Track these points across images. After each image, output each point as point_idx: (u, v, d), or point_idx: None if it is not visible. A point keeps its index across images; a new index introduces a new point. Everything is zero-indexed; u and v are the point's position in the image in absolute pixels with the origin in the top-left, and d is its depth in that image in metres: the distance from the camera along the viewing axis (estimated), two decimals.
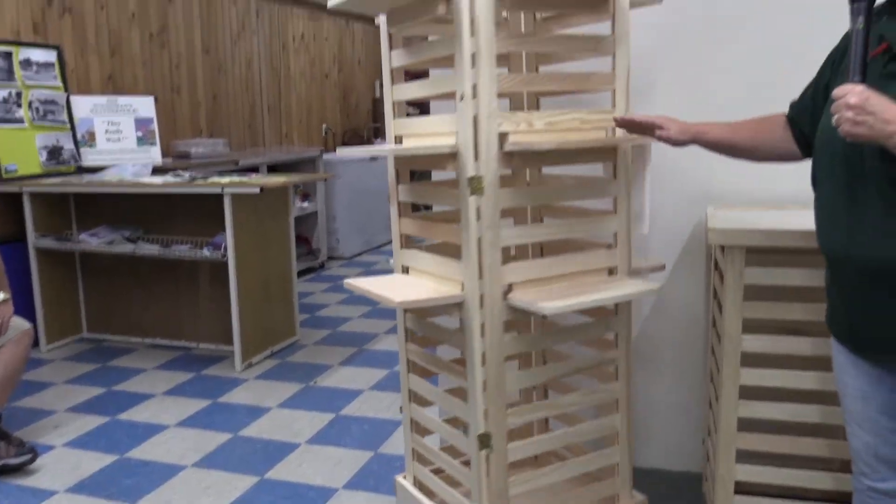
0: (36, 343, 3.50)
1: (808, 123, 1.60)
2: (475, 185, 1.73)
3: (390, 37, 2.04)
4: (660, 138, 1.78)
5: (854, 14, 1.32)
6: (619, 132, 1.92)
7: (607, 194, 1.98)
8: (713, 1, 2.41)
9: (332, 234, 6.68)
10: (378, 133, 7.99)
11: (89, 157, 4.68)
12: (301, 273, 6.06)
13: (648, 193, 2.09)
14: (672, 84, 2.49)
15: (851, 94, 1.22)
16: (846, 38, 1.52)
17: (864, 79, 1.27)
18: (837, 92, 1.25)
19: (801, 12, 2.34)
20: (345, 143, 7.81)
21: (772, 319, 2.02)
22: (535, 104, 2.26)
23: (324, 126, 7.52)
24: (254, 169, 5.34)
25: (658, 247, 2.56)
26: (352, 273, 6.20)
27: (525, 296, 1.78)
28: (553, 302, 1.72)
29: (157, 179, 4.03)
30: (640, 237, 2.52)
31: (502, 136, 1.75)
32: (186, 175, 4.12)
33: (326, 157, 6.56)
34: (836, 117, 1.25)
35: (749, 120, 1.77)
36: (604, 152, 1.95)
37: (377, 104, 8.21)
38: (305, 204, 6.17)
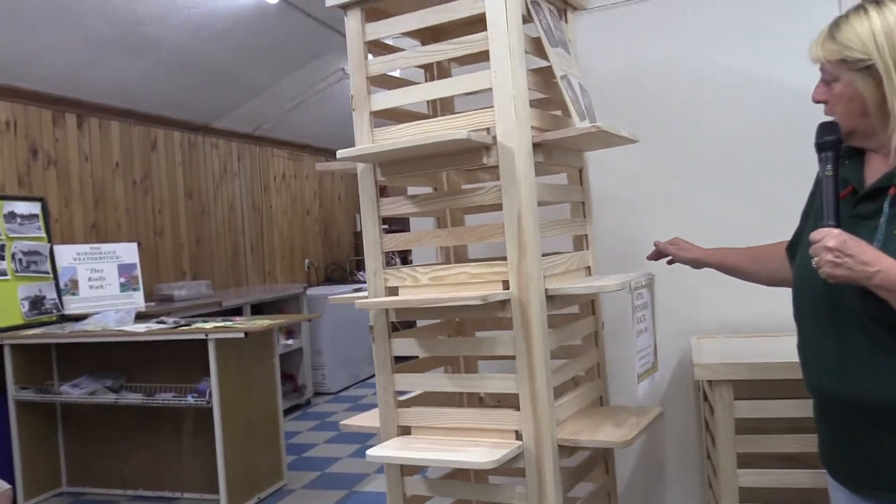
0: (14, 502, 3.38)
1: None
2: (373, 332, 1.97)
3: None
4: (677, 257, 1.96)
5: (822, 162, 1.40)
6: (514, 285, 1.81)
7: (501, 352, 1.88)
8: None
9: (317, 370, 6.62)
10: (360, 265, 8.06)
11: (72, 306, 4.67)
12: (287, 411, 5.96)
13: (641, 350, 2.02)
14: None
15: (829, 237, 1.27)
16: (818, 182, 1.58)
17: (838, 223, 1.32)
18: (814, 235, 1.30)
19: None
20: (327, 277, 7.86)
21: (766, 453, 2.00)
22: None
23: (306, 261, 7.59)
24: (237, 310, 5.34)
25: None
26: (339, 409, 6.10)
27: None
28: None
29: (141, 327, 4.01)
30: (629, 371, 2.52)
31: (390, 290, 1.97)
32: (170, 321, 4.11)
33: (310, 292, 6.59)
34: (815, 259, 1.29)
35: (758, 246, 1.88)
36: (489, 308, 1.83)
37: (358, 237, 8.32)
38: (290, 341, 6.14)
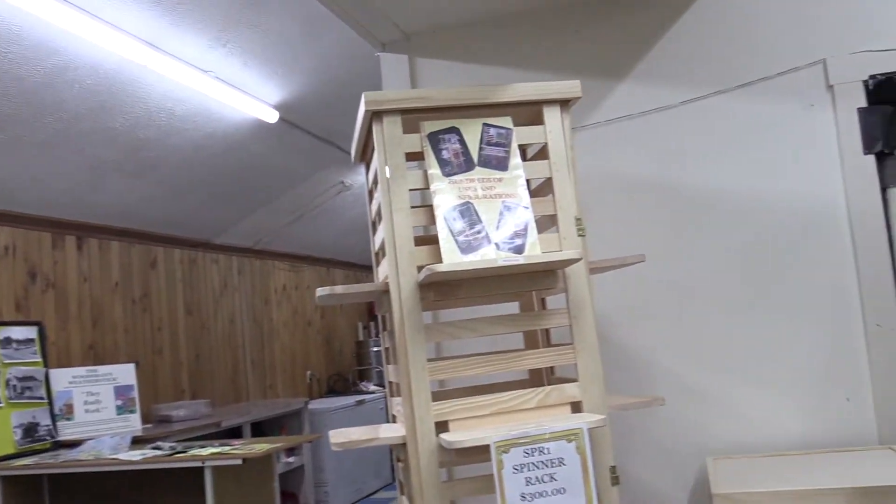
0: None
1: None
2: None
3: None
4: None
5: None
6: None
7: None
8: None
9: (320, 487, 6.40)
10: (363, 376, 7.93)
11: (66, 431, 4.54)
12: None
13: None
14: None
15: None
16: None
17: None
18: None
19: None
20: (330, 388, 7.73)
21: None
22: None
23: (308, 373, 7.47)
24: (237, 430, 5.20)
25: (660, 501, 2.45)
26: None
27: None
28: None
29: (136, 454, 3.88)
30: (642, 492, 2.41)
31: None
32: (166, 446, 3.99)
33: (312, 405, 6.45)
34: None
35: None
36: None
37: (360, 346, 8.23)
38: (291, 459, 5.96)
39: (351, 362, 8.27)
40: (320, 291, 1.85)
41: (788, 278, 2.48)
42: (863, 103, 2.50)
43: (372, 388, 7.59)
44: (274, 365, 6.98)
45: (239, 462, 3.53)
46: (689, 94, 2.60)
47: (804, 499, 1.89)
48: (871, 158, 2.48)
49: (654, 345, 2.54)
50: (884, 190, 2.49)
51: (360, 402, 6.93)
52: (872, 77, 2.49)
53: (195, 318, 6.03)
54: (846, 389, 2.41)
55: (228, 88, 4.23)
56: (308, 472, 6.20)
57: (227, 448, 3.83)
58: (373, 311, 8.54)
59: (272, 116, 4.71)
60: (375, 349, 8.02)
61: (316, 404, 6.59)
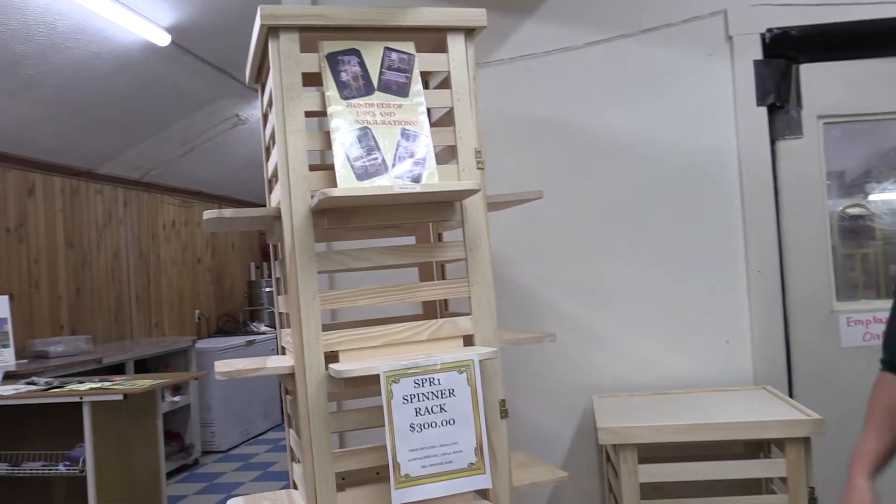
0: None
1: None
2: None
3: None
4: None
5: None
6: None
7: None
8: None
9: (206, 427, 6.29)
10: (254, 316, 7.78)
11: None
12: (173, 473, 5.62)
13: None
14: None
15: None
16: None
17: None
18: None
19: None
20: (219, 329, 7.55)
21: None
22: None
23: (196, 312, 7.26)
24: (119, 367, 5.01)
25: (547, 439, 2.50)
26: (229, 468, 5.79)
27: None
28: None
29: (8, 389, 3.68)
30: (530, 427, 2.45)
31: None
32: (42, 381, 3.80)
33: (200, 345, 6.29)
34: None
35: (876, 413, 1.56)
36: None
37: (252, 287, 8.05)
38: (177, 398, 5.81)
39: (242, 302, 8.09)
40: (207, 214, 1.75)
41: (678, 223, 2.54)
42: (759, 56, 2.55)
43: (263, 328, 7.46)
44: (160, 302, 6.75)
45: (120, 398, 3.40)
46: (593, 36, 2.59)
47: (681, 432, 1.96)
48: (764, 110, 2.55)
49: (545, 284, 2.56)
50: (773, 142, 2.57)
51: (251, 343, 6.81)
52: (769, 30, 2.54)
53: (76, 251, 5.73)
54: (727, 332, 2.51)
55: (116, 5, 3.96)
56: (194, 412, 6.07)
57: (107, 384, 3.68)
58: (265, 250, 8.35)
59: (164, 39, 4.44)
60: (268, 290, 7.87)
61: (204, 344, 6.43)
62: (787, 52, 2.56)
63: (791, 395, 2.46)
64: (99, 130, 5.37)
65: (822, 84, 2.56)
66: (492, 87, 2.58)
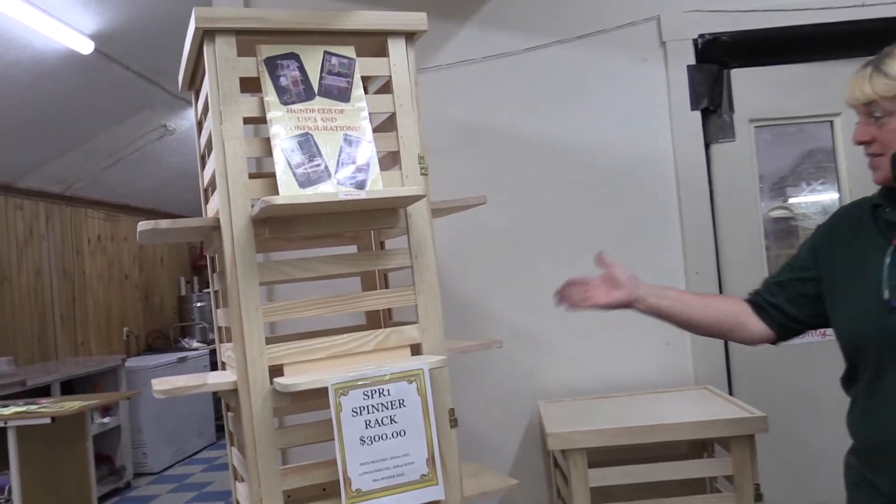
0: None
1: (806, 311, 1.53)
2: None
3: None
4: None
5: None
6: None
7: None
8: None
9: (138, 448, 6.07)
10: (185, 332, 7.57)
11: None
12: (104, 497, 5.40)
13: None
14: None
15: None
16: (825, 227, 1.56)
17: None
18: None
19: None
20: (149, 346, 7.32)
21: None
22: None
23: (125, 330, 7.03)
24: (45, 389, 4.80)
25: (494, 446, 2.49)
26: (163, 490, 5.61)
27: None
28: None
29: None
30: (476, 435, 2.43)
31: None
32: None
33: (129, 363, 6.08)
34: None
35: (705, 296, 1.77)
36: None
37: (183, 302, 7.84)
38: (106, 419, 5.59)
39: (172, 318, 7.87)
40: (142, 226, 1.68)
41: (617, 227, 2.56)
42: (692, 61, 2.60)
43: (195, 344, 7.27)
44: (87, 321, 6.51)
45: (47, 421, 3.25)
46: (530, 42, 2.60)
47: (630, 435, 1.96)
48: (698, 114, 2.60)
49: (486, 290, 2.55)
50: (707, 145, 2.61)
51: (183, 360, 6.62)
52: (702, 36, 2.59)
53: None
54: (667, 334, 2.53)
55: (35, 10, 3.80)
56: (125, 433, 5.86)
57: (33, 407, 3.51)
58: (196, 264, 8.15)
59: (87, 47, 4.29)
60: (199, 304, 7.66)
61: (134, 362, 6.23)
62: (718, 57, 2.61)
63: (731, 394, 2.50)
64: (18, 142, 5.15)
65: (753, 88, 2.62)
66: (432, 92, 2.55)
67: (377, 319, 2.19)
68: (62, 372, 5.17)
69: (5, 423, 3.21)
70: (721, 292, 2.55)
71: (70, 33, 4.10)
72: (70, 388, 5.31)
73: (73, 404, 3.51)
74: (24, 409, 3.44)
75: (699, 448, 2.35)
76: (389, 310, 2.18)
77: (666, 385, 2.50)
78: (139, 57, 4.69)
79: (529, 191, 2.57)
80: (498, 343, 2.01)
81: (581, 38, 2.60)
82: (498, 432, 2.51)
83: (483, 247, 2.57)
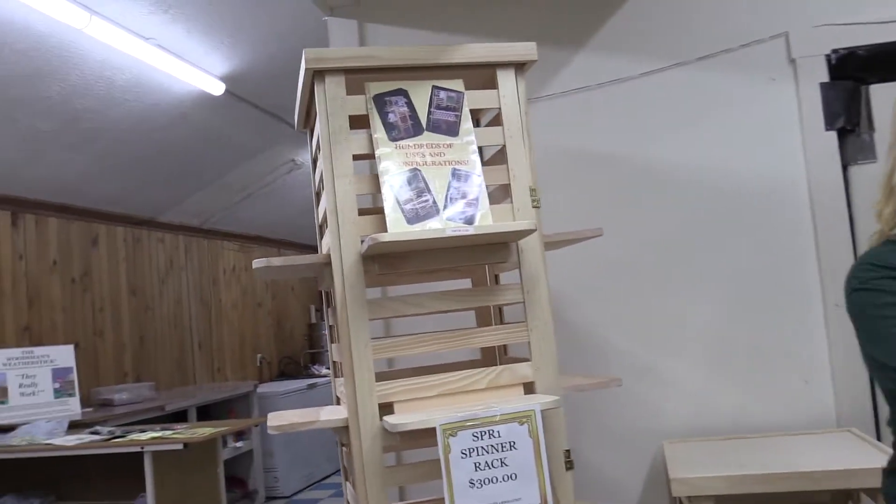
0: None
1: None
2: None
3: None
4: None
5: None
6: None
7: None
8: None
9: (269, 472, 6.25)
10: (315, 359, 7.78)
11: (1, 415, 4.33)
12: None
13: None
14: None
15: None
16: None
17: None
18: None
19: None
20: (281, 372, 7.56)
21: None
22: None
23: (258, 356, 7.29)
24: (182, 413, 5.03)
25: (615, 488, 2.38)
26: None
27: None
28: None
29: (72, 439, 3.70)
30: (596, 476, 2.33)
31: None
32: (105, 431, 3.81)
33: (261, 390, 6.29)
34: None
35: None
36: None
37: (312, 329, 8.06)
38: (239, 443, 5.80)
39: (303, 345, 8.11)
40: (257, 263, 1.71)
41: (747, 257, 2.42)
42: (825, 78, 2.43)
43: (324, 371, 7.45)
44: (222, 347, 6.79)
45: (180, 447, 3.38)
46: (648, 66, 2.51)
47: (763, 483, 1.82)
48: (833, 135, 2.42)
49: (608, 324, 2.46)
50: (845, 167, 2.43)
51: (312, 386, 6.78)
52: (835, 51, 2.42)
53: (139, 299, 5.82)
54: (805, 372, 2.36)
55: (171, 57, 4.03)
56: (257, 457, 6.05)
57: (168, 432, 3.67)
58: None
59: (218, 88, 4.51)
60: (327, 332, 7.86)
61: (266, 388, 6.43)
62: (855, 72, 2.43)
63: (879, 437, 2.29)
64: (159, 180, 5.47)
65: None
66: (545, 121, 2.51)
67: (493, 355, 2.15)
68: (199, 397, 5.40)
69: (142, 448, 3.36)
70: None
71: (203, 76, 4.32)
72: (206, 412, 5.54)
73: (204, 431, 3.64)
74: (160, 434, 3.60)
75: (843, 497, 2.16)
76: (505, 345, 2.14)
77: (804, 427, 2.32)
78: (265, 95, 4.89)
79: (649, 220, 2.47)
80: (617, 381, 1.92)
81: (702, 59, 2.49)
82: (620, 473, 2.40)
83: (601, 278, 2.48)
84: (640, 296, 2.45)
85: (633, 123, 2.50)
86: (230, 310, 6.97)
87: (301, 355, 7.94)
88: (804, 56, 2.43)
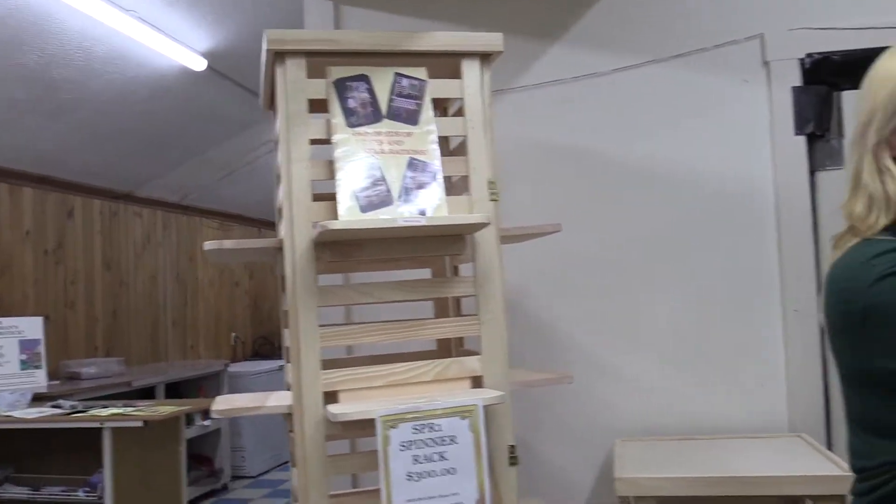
0: None
1: None
2: None
3: None
4: None
5: None
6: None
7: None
8: None
9: (236, 452, 6.24)
10: None
11: None
12: (201, 497, 5.57)
13: None
14: None
15: None
16: None
17: None
18: None
19: None
20: (255, 352, 7.54)
21: None
22: None
23: (233, 335, 7.26)
24: (150, 390, 5.01)
25: (567, 485, 2.38)
26: (257, 494, 5.74)
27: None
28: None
29: (32, 412, 3.67)
30: (549, 472, 2.33)
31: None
32: (67, 405, 3.79)
33: (232, 369, 6.26)
34: None
35: None
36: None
37: None
38: (207, 422, 5.76)
39: (279, 326, 8.07)
40: (208, 245, 1.70)
41: (710, 257, 2.41)
42: (798, 82, 2.42)
43: None
44: (197, 325, 6.76)
45: (140, 424, 3.36)
46: (623, 62, 2.50)
47: (707, 486, 1.83)
48: (803, 139, 2.42)
49: (568, 319, 2.45)
50: (812, 173, 2.43)
51: (283, 368, 6.77)
52: (809, 55, 2.42)
53: (113, 273, 5.77)
54: (760, 374, 2.36)
55: (153, 31, 3.98)
56: (224, 437, 6.03)
57: (129, 409, 3.64)
58: None
59: (200, 64, 4.46)
60: None
61: (238, 367, 6.41)
62: (828, 77, 2.42)
63: (829, 445, 2.30)
64: (138, 154, 5.41)
65: None
66: (515, 114, 2.49)
67: (448, 346, 2.14)
68: (168, 374, 5.38)
69: (101, 424, 3.33)
70: (822, 331, 2.36)
71: (185, 52, 4.27)
72: (176, 389, 5.51)
73: (165, 409, 3.62)
74: (120, 410, 3.57)
75: (789, 502, 2.17)
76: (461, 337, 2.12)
77: (757, 429, 2.33)
78: (249, 73, 4.83)
79: (615, 216, 2.46)
80: (568, 378, 1.91)
81: (677, 57, 2.47)
82: (573, 470, 2.40)
83: (565, 272, 2.47)
84: (605, 292, 2.45)
85: (606, 118, 2.49)
86: (206, 287, 6.93)
87: (277, 336, 7.92)
88: (778, 59, 2.42)
